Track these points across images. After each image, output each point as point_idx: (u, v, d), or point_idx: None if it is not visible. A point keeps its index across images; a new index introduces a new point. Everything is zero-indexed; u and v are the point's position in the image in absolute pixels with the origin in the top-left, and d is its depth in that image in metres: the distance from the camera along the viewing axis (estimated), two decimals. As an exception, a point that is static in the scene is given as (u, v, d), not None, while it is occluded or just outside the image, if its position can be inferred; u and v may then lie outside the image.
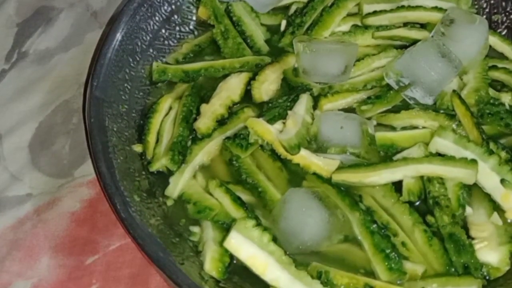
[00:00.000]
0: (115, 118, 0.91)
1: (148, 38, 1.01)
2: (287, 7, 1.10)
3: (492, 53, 1.03)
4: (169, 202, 0.88)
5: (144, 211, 0.83)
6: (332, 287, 0.78)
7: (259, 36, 1.05)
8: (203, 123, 0.92)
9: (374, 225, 0.82)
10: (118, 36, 0.96)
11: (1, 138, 1.05)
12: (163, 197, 0.88)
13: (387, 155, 0.91)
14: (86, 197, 0.98)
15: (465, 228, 0.84)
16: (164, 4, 1.04)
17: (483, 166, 0.85)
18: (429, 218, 0.84)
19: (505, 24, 1.08)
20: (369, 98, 0.96)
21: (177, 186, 0.88)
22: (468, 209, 0.86)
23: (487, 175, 0.86)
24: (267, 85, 0.98)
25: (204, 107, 0.95)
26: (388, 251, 0.80)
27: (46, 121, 1.06)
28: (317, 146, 0.89)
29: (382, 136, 0.92)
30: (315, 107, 0.95)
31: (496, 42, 1.03)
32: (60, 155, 1.03)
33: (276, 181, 0.89)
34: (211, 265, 0.80)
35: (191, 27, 1.08)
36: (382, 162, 0.88)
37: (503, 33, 1.07)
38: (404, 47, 0.98)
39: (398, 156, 0.89)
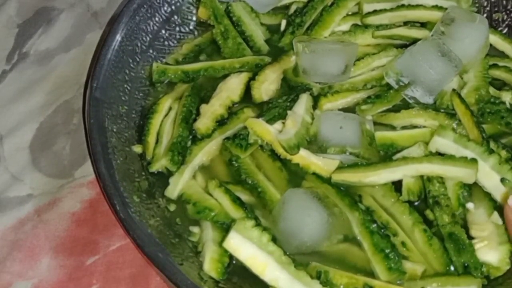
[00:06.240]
0: (115, 119, 0.91)
1: (148, 38, 1.02)
2: (287, 7, 1.10)
3: (493, 52, 1.02)
4: (172, 207, 0.88)
5: (144, 211, 0.83)
6: (332, 287, 0.78)
7: (259, 36, 1.05)
8: (203, 124, 0.92)
9: (374, 225, 0.82)
10: (118, 37, 0.96)
11: (1, 138, 1.05)
12: (162, 198, 0.88)
13: (387, 154, 0.91)
14: (87, 198, 0.98)
15: (465, 227, 0.84)
16: (164, 5, 1.04)
17: (483, 165, 0.85)
18: (428, 212, 0.84)
19: (506, 22, 1.07)
20: (369, 97, 0.96)
21: (176, 186, 0.88)
22: (470, 204, 0.86)
23: (487, 174, 0.86)
24: (267, 85, 0.98)
25: (203, 108, 0.95)
26: (387, 251, 0.80)
27: (46, 122, 1.07)
28: (317, 146, 0.89)
29: (382, 135, 0.92)
30: (315, 107, 0.95)
31: (497, 40, 1.03)
32: (61, 155, 1.03)
33: (276, 181, 0.89)
34: (210, 265, 0.80)
35: (191, 27, 1.08)
36: (381, 161, 0.88)
37: (504, 31, 1.07)
38: (404, 46, 0.98)
39: (398, 155, 0.89)
